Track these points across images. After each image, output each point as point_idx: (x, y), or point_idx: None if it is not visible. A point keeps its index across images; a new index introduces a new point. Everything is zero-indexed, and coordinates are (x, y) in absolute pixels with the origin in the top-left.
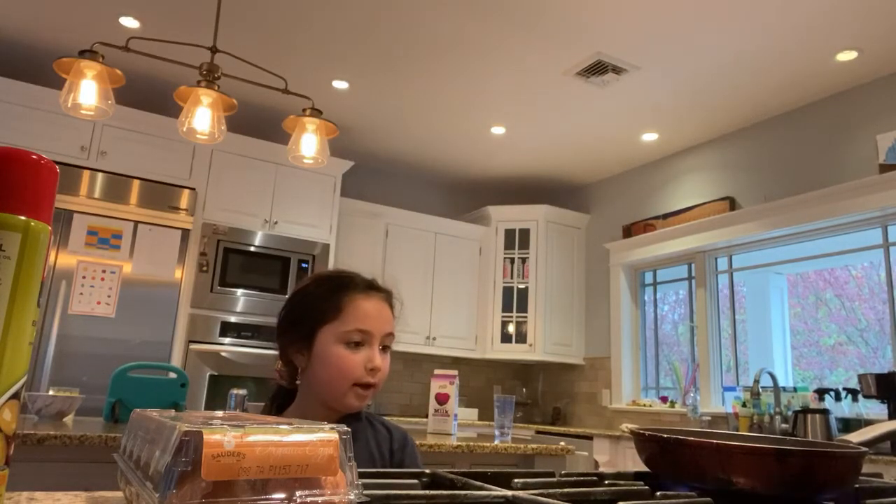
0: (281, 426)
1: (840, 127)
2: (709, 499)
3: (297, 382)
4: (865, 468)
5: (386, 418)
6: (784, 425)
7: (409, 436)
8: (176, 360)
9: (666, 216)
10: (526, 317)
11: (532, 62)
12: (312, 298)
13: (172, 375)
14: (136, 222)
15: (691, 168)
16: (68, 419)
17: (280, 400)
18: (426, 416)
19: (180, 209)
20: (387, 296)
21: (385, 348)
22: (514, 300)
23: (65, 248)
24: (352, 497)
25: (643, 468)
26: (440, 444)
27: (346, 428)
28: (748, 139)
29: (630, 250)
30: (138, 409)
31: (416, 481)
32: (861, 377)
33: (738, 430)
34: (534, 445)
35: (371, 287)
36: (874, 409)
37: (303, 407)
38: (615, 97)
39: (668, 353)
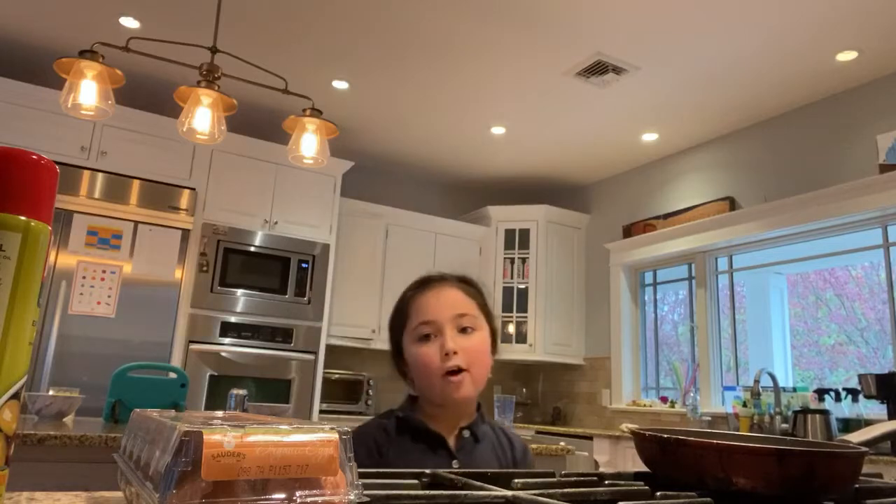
0: (281, 426)
1: (840, 127)
2: (709, 499)
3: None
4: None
5: (509, 427)
6: (784, 425)
7: (528, 448)
8: (176, 361)
9: (666, 216)
10: (526, 317)
11: (532, 62)
12: (391, 320)
13: (172, 375)
14: (136, 222)
15: (691, 168)
16: (68, 419)
17: (399, 411)
18: None
19: (180, 209)
20: (454, 281)
21: (466, 329)
22: (514, 300)
23: (65, 248)
24: (352, 497)
25: (643, 468)
26: None
27: (346, 428)
28: (748, 139)
29: (630, 250)
30: (138, 410)
31: (416, 481)
32: (861, 377)
33: (738, 431)
34: (534, 445)
35: (426, 280)
36: (874, 409)
37: (423, 402)
38: (615, 97)
39: (668, 354)
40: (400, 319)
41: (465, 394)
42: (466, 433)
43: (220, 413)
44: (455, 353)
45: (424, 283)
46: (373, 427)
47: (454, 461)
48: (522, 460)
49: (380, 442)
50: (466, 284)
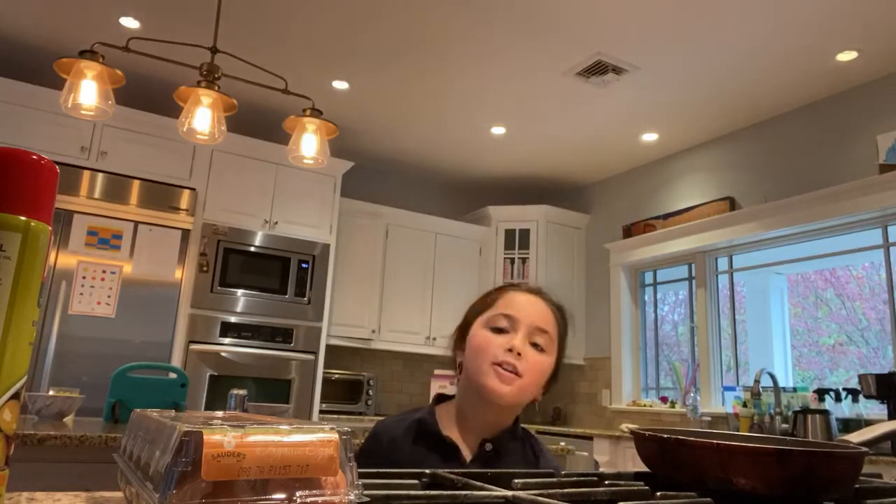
0: (281, 426)
1: (840, 127)
2: (709, 499)
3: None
4: (865, 468)
5: (543, 444)
6: (784, 425)
7: (558, 466)
8: (176, 361)
9: (666, 216)
10: None
11: (532, 62)
12: (475, 302)
13: (172, 376)
14: (137, 222)
15: (691, 168)
16: (68, 419)
17: (422, 412)
18: None
19: (180, 209)
20: (549, 301)
21: (538, 346)
22: None
23: (65, 248)
24: (352, 497)
25: (643, 468)
26: None
27: (346, 428)
28: (748, 139)
29: (630, 250)
30: (138, 410)
31: (416, 481)
32: (861, 377)
33: (738, 431)
34: None
35: (530, 287)
36: (874, 409)
37: (459, 399)
38: (615, 97)
39: (669, 354)
40: (482, 305)
41: (506, 391)
42: (489, 446)
43: (220, 413)
44: (520, 354)
45: (522, 286)
46: (393, 425)
47: None
48: None
49: (398, 443)
50: (559, 310)
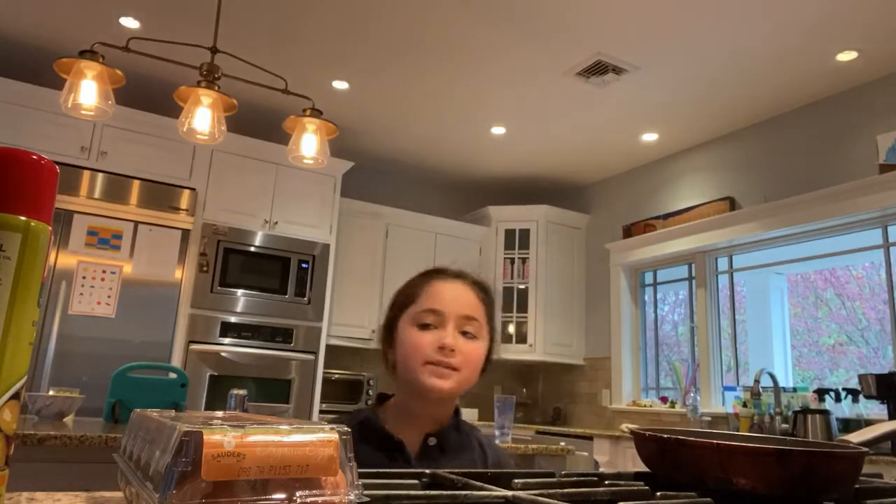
0: (281, 426)
1: (840, 127)
2: (709, 499)
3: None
4: (865, 468)
5: (487, 437)
6: (784, 426)
7: (503, 459)
8: (176, 361)
9: (666, 216)
10: (526, 317)
11: (532, 62)
12: (397, 294)
13: (172, 376)
14: (137, 222)
15: (691, 168)
16: (68, 419)
17: (366, 413)
18: None
19: (180, 209)
20: (472, 283)
21: (468, 334)
22: (515, 300)
23: (65, 248)
24: (352, 497)
25: (643, 468)
26: None
27: (346, 428)
28: (748, 139)
29: (630, 250)
30: (138, 410)
31: (416, 481)
32: (861, 377)
33: (738, 431)
34: (534, 446)
35: (450, 273)
36: (874, 409)
37: (398, 396)
38: (615, 97)
39: (669, 354)
40: (405, 300)
41: (445, 386)
42: (432, 441)
43: (220, 413)
44: (452, 350)
45: (442, 273)
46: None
47: None
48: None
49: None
50: (481, 289)
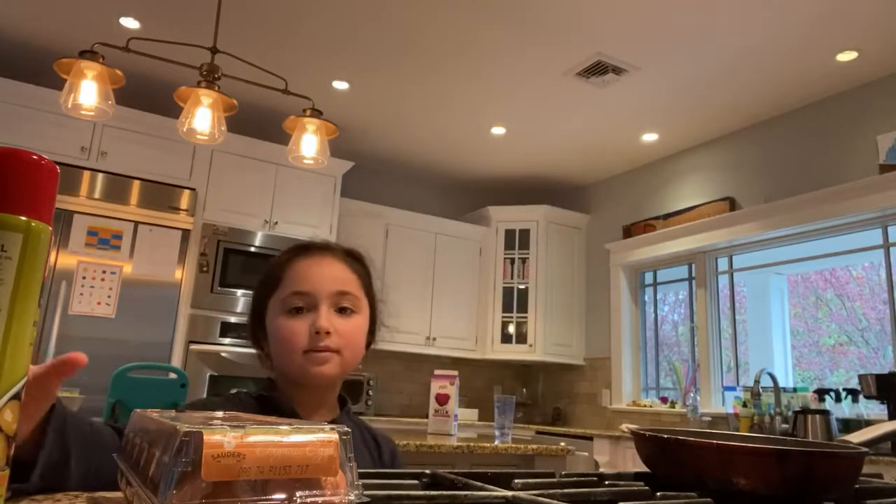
0: (281, 426)
1: (840, 127)
2: (709, 499)
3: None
4: (865, 468)
5: (373, 427)
6: (784, 426)
7: (396, 450)
8: (176, 361)
9: (666, 216)
10: (526, 317)
11: (532, 62)
12: (261, 282)
13: (172, 376)
14: (137, 223)
15: (691, 168)
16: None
17: (266, 391)
18: (426, 417)
19: (180, 209)
20: (342, 255)
21: (345, 309)
22: (515, 300)
23: (65, 248)
24: (352, 497)
25: (643, 468)
26: (440, 445)
27: (346, 428)
28: (748, 139)
29: (630, 251)
30: (138, 410)
31: (416, 482)
32: (861, 377)
33: (738, 431)
34: (534, 446)
35: (307, 246)
36: (874, 409)
37: (282, 388)
38: (615, 97)
39: (669, 354)
40: (269, 283)
41: (328, 371)
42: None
43: (220, 413)
44: (328, 332)
45: (306, 249)
46: (219, 403)
47: None
48: (390, 464)
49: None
50: (354, 259)
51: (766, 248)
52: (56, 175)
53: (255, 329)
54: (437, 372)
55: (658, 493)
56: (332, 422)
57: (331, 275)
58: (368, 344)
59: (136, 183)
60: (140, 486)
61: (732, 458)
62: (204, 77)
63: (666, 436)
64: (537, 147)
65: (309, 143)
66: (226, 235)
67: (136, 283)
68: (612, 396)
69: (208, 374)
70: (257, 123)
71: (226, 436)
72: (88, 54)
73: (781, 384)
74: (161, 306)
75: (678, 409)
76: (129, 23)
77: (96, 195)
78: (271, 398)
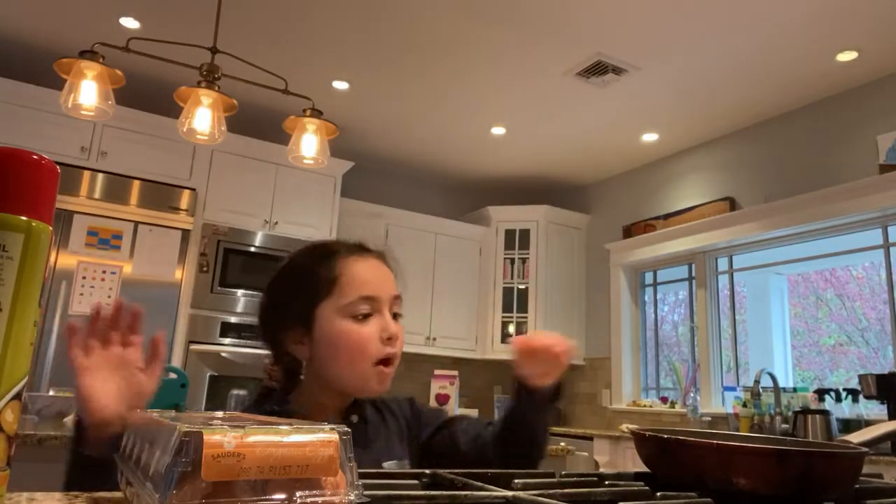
0: (281, 426)
1: (840, 127)
2: (709, 499)
3: (302, 377)
4: (865, 468)
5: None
6: (784, 426)
7: (407, 399)
8: (176, 361)
9: (666, 216)
10: (526, 317)
11: (532, 62)
12: (300, 275)
13: (173, 376)
14: (137, 223)
15: (691, 168)
16: (68, 419)
17: (272, 404)
18: None
19: (180, 209)
20: (381, 256)
21: (396, 316)
22: (515, 300)
23: (65, 248)
24: (352, 497)
25: (643, 468)
26: None
27: (346, 428)
28: (748, 139)
29: (630, 251)
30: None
31: (416, 481)
32: (861, 378)
33: (738, 431)
34: None
35: (362, 248)
36: (874, 409)
37: (311, 401)
38: (615, 97)
39: (669, 354)
40: (320, 287)
41: (387, 388)
42: (355, 418)
43: (220, 413)
44: (396, 338)
45: (363, 250)
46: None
47: None
48: (416, 416)
49: None
50: (391, 264)
51: (766, 248)
52: (56, 175)
53: (283, 331)
54: (437, 372)
55: (658, 493)
56: (350, 406)
57: (389, 278)
58: None
59: (136, 183)
60: (140, 485)
61: (732, 458)
62: (204, 77)
63: (666, 436)
64: (537, 147)
65: (309, 143)
66: (226, 235)
67: (136, 283)
68: (612, 396)
69: (208, 375)
70: (257, 123)
71: (226, 436)
72: (88, 54)
73: (781, 384)
74: (161, 306)
75: (678, 409)
76: (129, 23)
77: (96, 195)
78: (287, 414)
